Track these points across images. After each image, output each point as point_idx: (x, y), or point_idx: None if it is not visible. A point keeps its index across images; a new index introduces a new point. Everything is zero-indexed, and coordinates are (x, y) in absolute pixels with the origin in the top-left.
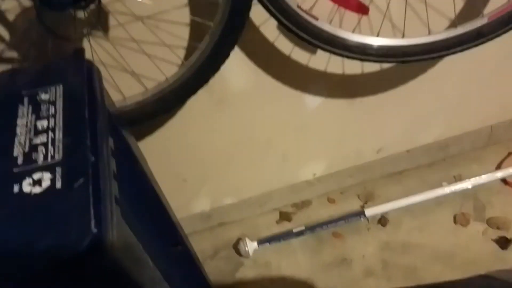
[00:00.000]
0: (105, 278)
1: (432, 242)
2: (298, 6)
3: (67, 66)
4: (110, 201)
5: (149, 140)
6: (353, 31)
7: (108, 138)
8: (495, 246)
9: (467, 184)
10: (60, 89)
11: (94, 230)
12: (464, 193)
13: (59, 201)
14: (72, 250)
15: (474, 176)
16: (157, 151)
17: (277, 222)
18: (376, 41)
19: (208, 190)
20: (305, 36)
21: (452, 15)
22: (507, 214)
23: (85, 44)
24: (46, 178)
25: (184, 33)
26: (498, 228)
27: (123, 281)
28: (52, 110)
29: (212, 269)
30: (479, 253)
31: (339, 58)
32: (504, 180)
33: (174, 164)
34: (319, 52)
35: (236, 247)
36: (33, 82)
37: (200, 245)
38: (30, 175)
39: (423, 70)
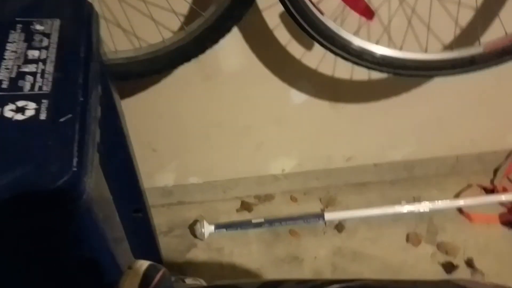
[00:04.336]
0: (75, 225)
1: (382, 255)
2: None
3: (66, 3)
4: (92, 145)
5: (126, 101)
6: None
7: (99, 84)
8: (441, 270)
9: (424, 206)
10: (56, 23)
11: (75, 168)
12: (420, 214)
13: (42, 132)
14: (48, 183)
15: (433, 200)
16: (133, 114)
17: (237, 211)
18: (375, 48)
19: (175, 165)
20: (308, 28)
21: (450, 39)
22: (457, 241)
23: None
24: (30, 107)
25: None
26: (446, 253)
27: (91, 232)
28: (45, 42)
29: (164, 246)
30: (424, 273)
31: (331, 60)
32: (459, 210)
33: (147, 132)
34: (314, 49)
35: (192, 227)
36: (29, 11)
37: (156, 220)
38: (13, 102)
39: (407, 89)
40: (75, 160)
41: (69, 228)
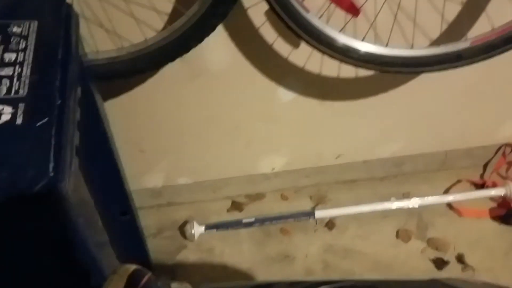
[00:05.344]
0: (53, 231)
1: (373, 251)
2: None
3: (45, 4)
4: (70, 149)
5: (112, 102)
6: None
7: (78, 86)
8: (431, 266)
9: (414, 202)
10: (34, 25)
11: (51, 173)
12: (410, 210)
13: (18, 137)
14: (25, 189)
15: (422, 196)
16: (119, 115)
17: (228, 211)
18: (359, 45)
19: (164, 166)
20: (292, 25)
21: (437, 34)
22: (447, 237)
23: None
24: (6, 111)
25: None
26: (436, 249)
27: (71, 237)
28: (23, 45)
29: (154, 248)
30: (415, 269)
31: (319, 57)
32: (449, 205)
33: (134, 132)
34: (301, 47)
35: (182, 229)
36: (6, 13)
37: (145, 222)
38: None
39: (394, 85)
40: (51, 165)
41: (47, 234)
